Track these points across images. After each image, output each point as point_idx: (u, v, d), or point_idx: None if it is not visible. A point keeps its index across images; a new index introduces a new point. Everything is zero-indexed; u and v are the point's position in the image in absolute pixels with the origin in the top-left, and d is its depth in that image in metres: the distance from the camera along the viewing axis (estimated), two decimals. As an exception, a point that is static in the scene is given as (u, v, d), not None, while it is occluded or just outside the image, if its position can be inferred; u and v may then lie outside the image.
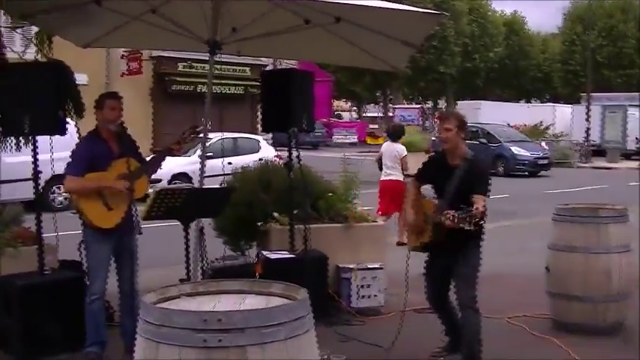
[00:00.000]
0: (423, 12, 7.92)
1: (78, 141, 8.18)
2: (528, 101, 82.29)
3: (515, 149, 37.47)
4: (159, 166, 8.05)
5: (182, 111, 31.84)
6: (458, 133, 7.53)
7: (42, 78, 8.13)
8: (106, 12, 8.24)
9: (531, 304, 9.90)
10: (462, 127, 7.58)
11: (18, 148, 9.51)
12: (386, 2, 7.78)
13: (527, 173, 36.85)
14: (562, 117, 55.30)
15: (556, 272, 9.18)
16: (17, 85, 8.04)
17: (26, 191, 11.97)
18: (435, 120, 58.57)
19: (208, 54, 8.93)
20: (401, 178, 15.77)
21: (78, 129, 9.50)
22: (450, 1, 66.74)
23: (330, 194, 10.70)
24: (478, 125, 38.97)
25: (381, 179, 16.15)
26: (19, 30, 10.17)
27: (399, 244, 14.29)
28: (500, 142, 37.91)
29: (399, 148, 16.14)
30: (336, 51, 9.45)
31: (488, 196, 7.42)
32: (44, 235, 8.44)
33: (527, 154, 37.49)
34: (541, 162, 37.78)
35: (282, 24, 8.46)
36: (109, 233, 7.59)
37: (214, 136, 20.78)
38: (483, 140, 37.11)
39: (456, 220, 6.97)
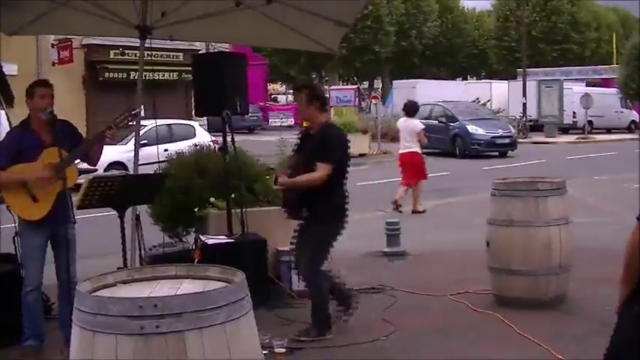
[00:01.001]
0: None
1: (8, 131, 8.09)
2: (465, 79, 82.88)
3: (472, 128, 35.12)
4: (97, 152, 7.86)
5: (115, 99, 31.47)
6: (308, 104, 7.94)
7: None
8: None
9: (473, 280, 9.99)
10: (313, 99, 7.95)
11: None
12: None
13: (484, 153, 34.23)
14: (498, 93, 55.73)
15: (496, 247, 9.22)
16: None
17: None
18: (371, 100, 58.77)
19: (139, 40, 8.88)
20: (418, 150, 17.63)
21: (8, 118, 9.39)
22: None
23: (267, 177, 10.68)
24: (441, 104, 37.75)
25: (401, 152, 18.02)
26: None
27: (415, 212, 17.22)
28: (458, 120, 35.55)
29: (416, 123, 17.76)
30: (268, 33, 9.44)
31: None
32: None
33: (483, 132, 34.91)
34: (500, 141, 35.12)
35: (213, 6, 8.44)
36: (42, 223, 7.49)
37: (148, 123, 20.64)
38: (442, 119, 35.81)
39: None
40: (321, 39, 9.40)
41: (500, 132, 35.61)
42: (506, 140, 35.53)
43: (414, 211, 17.28)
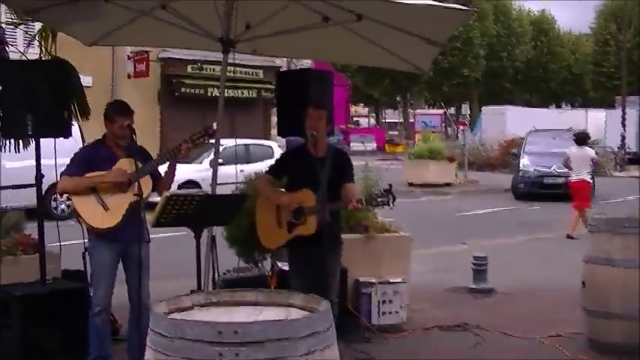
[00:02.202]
0: (450, 7, 7.87)
1: (82, 144, 8.20)
2: (558, 106, 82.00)
3: (525, 163, 30.87)
4: (170, 174, 7.99)
5: (191, 115, 31.80)
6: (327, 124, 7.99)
7: (45, 77, 8.10)
8: (114, 8, 8.22)
9: (565, 322, 9.80)
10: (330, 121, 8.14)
11: (17, 149, 9.51)
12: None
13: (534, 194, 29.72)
14: (594, 122, 54.86)
15: (593, 287, 8.96)
16: (19, 84, 8.03)
17: (27, 198, 12.03)
18: (458, 126, 58.49)
19: (221, 54, 8.92)
20: (588, 178, 19.10)
21: (81, 131, 9.52)
22: (475, 2, 66.76)
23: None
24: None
25: (572, 180, 19.33)
26: (21, 27, 10.15)
27: (569, 237, 18.24)
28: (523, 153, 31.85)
29: (588, 151, 19.42)
30: (356, 50, 9.41)
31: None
32: (46, 243, 8.43)
33: (532, 169, 30.33)
34: (549, 181, 29.52)
35: (300, 21, 8.44)
36: (113, 239, 7.57)
37: (226, 143, 20.79)
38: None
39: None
40: (411, 58, 9.34)
41: (554, 169, 29.43)
42: (560, 180, 27.79)
43: (568, 236, 18.30)
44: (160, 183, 7.87)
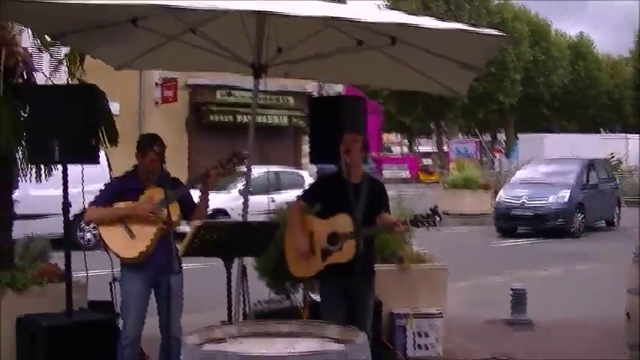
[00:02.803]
0: (487, 33, 7.84)
1: (109, 172, 8.23)
2: (597, 132, 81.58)
3: (505, 193, 29.03)
4: (204, 203, 8.00)
5: (220, 143, 31.83)
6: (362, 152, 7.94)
7: (73, 102, 8.16)
8: (143, 32, 8.23)
9: (609, 356, 9.70)
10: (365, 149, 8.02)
11: (38, 178, 9.54)
12: (447, 23, 7.71)
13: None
14: (635, 149, 54.56)
15: (638, 320, 8.91)
16: (47, 110, 8.08)
17: (53, 226, 12.07)
18: (494, 154, 58.31)
19: (250, 80, 8.93)
20: None
21: (108, 160, 9.54)
22: (509, 23, 66.58)
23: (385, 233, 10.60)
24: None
25: None
26: (48, 52, 10.20)
27: None
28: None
29: None
30: (391, 73, 9.39)
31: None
32: (73, 273, 8.45)
33: (509, 201, 28.06)
34: (516, 213, 27.62)
35: (333, 45, 8.42)
36: (143, 268, 7.58)
37: (256, 170, 20.82)
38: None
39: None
40: (447, 81, 9.31)
41: (552, 204, 27.30)
42: (558, 222, 27.05)
43: None
44: (194, 212, 7.87)
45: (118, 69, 9.73)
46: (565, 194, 27.32)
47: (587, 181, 29.00)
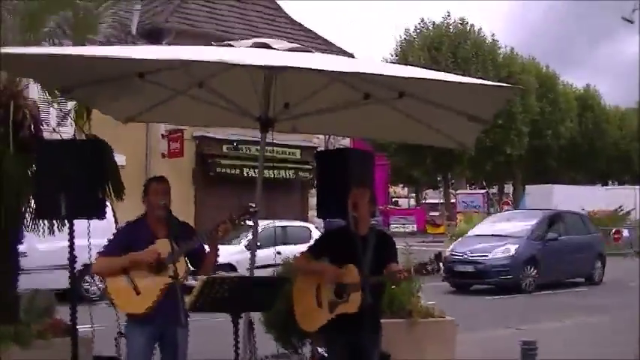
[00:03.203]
0: (494, 85, 7.87)
1: (115, 225, 8.24)
2: (605, 184, 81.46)
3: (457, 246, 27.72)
4: (212, 256, 7.91)
5: (226, 196, 31.81)
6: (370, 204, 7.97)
7: (80, 156, 8.18)
8: (150, 86, 8.29)
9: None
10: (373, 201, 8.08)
11: (51, 231, 9.56)
12: (455, 76, 7.75)
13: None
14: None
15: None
16: (53, 164, 8.11)
17: (58, 280, 12.07)
18: (502, 206, 58.22)
19: (257, 133, 8.96)
20: None
21: (114, 213, 9.57)
22: (516, 75, 66.79)
23: (392, 287, 10.58)
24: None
25: None
26: (55, 105, 10.29)
27: None
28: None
29: None
30: (398, 127, 9.41)
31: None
32: (78, 327, 8.43)
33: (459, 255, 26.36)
34: (459, 268, 25.73)
35: (340, 98, 8.46)
36: (148, 322, 7.53)
37: (263, 224, 20.81)
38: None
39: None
40: (455, 134, 9.32)
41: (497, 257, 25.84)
42: (469, 268, 25.74)
43: None
44: (202, 263, 7.85)
45: (126, 122, 9.77)
46: (511, 248, 25.92)
47: (546, 234, 27.37)
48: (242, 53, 7.54)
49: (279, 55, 7.56)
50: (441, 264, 7.16)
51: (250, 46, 8.00)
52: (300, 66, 6.96)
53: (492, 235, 27.48)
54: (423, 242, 37.06)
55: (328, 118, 9.14)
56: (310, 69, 7.13)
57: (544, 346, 11.18)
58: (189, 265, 7.74)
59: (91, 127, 9.92)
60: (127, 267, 7.55)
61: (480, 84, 7.51)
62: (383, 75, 7.49)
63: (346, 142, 30.28)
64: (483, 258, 25.72)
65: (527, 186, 63.54)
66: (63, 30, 10.03)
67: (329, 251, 8.02)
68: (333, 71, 7.41)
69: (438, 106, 8.33)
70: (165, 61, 7.40)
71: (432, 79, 7.25)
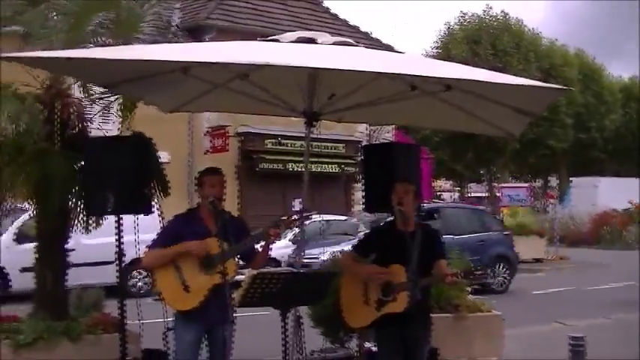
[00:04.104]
0: (544, 86, 7.79)
1: (160, 221, 8.26)
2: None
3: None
4: (263, 253, 7.87)
5: (270, 191, 31.98)
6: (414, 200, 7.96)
7: (126, 152, 8.21)
8: (193, 79, 8.29)
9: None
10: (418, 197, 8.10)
11: (91, 227, 9.60)
12: (503, 76, 7.68)
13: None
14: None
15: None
16: (101, 161, 8.14)
17: (106, 275, 12.14)
18: (547, 199, 57.79)
19: (299, 128, 8.92)
20: None
21: (160, 209, 9.59)
22: (559, 68, 66.27)
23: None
24: None
25: None
26: (98, 102, 10.31)
27: None
28: None
29: None
30: (444, 116, 9.28)
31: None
32: (127, 322, 8.46)
33: None
34: None
35: (386, 90, 8.38)
36: (197, 318, 7.55)
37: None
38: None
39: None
40: (501, 124, 9.21)
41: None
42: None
43: None
44: (253, 260, 7.85)
45: (170, 112, 9.76)
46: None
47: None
48: (288, 52, 7.47)
49: (325, 53, 7.51)
50: (489, 270, 7.06)
51: (295, 40, 7.95)
52: (346, 68, 6.88)
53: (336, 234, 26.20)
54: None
55: (374, 108, 9.07)
56: (356, 70, 7.06)
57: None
58: (239, 261, 7.74)
59: (134, 125, 9.92)
60: (176, 257, 7.54)
61: (529, 85, 7.43)
62: (431, 77, 7.42)
63: (389, 136, 30.21)
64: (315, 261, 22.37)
65: (572, 179, 63.00)
66: (107, 28, 10.05)
67: (376, 249, 7.98)
68: (380, 73, 7.34)
69: (485, 98, 8.25)
70: (212, 64, 7.39)
71: (481, 81, 7.20)
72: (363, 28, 39.61)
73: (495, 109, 8.40)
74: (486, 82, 7.29)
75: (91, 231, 9.83)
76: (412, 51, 72.66)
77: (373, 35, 39.66)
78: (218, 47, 8.32)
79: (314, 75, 8.34)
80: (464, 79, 7.24)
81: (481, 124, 9.20)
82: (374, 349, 8.94)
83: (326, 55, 7.34)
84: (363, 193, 9.78)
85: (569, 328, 14.69)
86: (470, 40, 65.21)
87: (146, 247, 7.74)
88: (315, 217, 20.70)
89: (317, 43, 7.79)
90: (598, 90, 72.46)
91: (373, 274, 7.77)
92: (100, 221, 9.57)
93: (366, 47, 8.49)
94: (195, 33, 32.22)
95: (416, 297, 7.36)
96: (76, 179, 9.19)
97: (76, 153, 9.15)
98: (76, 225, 9.73)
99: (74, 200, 9.45)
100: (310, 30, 8.40)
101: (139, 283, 21.86)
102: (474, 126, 9.58)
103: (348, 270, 8.09)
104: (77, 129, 9.71)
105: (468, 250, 23.87)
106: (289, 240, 23.13)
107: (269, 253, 7.91)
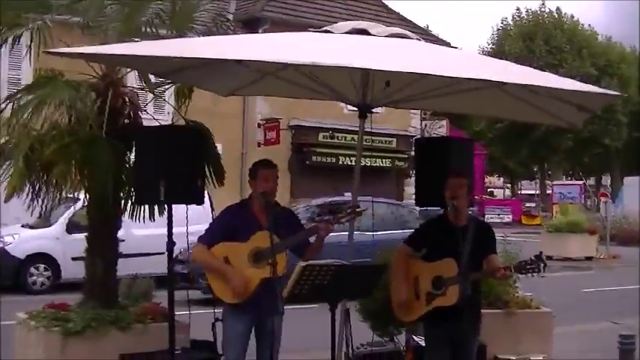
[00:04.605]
0: (599, 92, 7.69)
1: (211, 212, 8.25)
2: None
3: None
4: (317, 247, 7.88)
5: (322, 184, 31.89)
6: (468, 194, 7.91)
7: (179, 142, 8.20)
8: (247, 69, 8.29)
9: None
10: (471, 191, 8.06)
11: (144, 218, 9.62)
12: (556, 79, 7.57)
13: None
14: None
15: None
16: (153, 150, 8.15)
17: (156, 265, 12.18)
18: (599, 198, 57.32)
19: (352, 122, 8.86)
20: None
21: (211, 200, 9.61)
22: (615, 66, 65.66)
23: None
24: None
25: None
26: (153, 92, 10.33)
27: None
28: None
29: None
30: (503, 105, 9.15)
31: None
32: (176, 312, 8.48)
33: None
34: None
35: (442, 81, 8.27)
36: (246, 310, 7.57)
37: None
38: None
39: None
40: (562, 115, 9.07)
41: None
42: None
43: None
44: (305, 254, 7.83)
45: (226, 96, 9.74)
46: None
47: None
48: (339, 47, 7.38)
49: (379, 47, 7.41)
50: (541, 264, 6.96)
51: (348, 32, 7.89)
52: (396, 69, 6.75)
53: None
54: (519, 233, 36.59)
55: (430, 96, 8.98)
56: (407, 72, 6.94)
57: None
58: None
59: (188, 117, 9.92)
60: (217, 271, 7.58)
61: (583, 91, 7.33)
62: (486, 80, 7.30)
63: (442, 130, 30.11)
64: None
65: (625, 178, 62.32)
66: (162, 20, 10.07)
67: (428, 242, 7.94)
68: (430, 75, 7.21)
69: (543, 95, 8.15)
70: (264, 62, 7.37)
71: (536, 85, 7.13)
72: (420, 24, 39.55)
73: (554, 103, 8.30)
74: (539, 86, 7.21)
75: (143, 221, 9.83)
76: (468, 47, 72.42)
77: (431, 30, 39.56)
78: (270, 41, 8.28)
79: (367, 70, 8.28)
80: (520, 84, 7.17)
81: (541, 114, 9.04)
82: (422, 343, 8.88)
83: (379, 51, 7.24)
84: (415, 188, 9.73)
85: (620, 327, 14.53)
86: (525, 37, 64.93)
87: (198, 238, 7.74)
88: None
89: (370, 35, 7.73)
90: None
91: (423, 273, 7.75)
92: (161, 212, 9.53)
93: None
94: (249, 25, 32.29)
95: (466, 291, 7.30)
96: (125, 168, 9.21)
97: (127, 142, 9.17)
98: (128, 215, 9.76)
99: (126, 189, 9.48)
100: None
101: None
102: (534, 115, 9.42)
103: (398, 266, 8.04)
104: (130, 119, 9.73)
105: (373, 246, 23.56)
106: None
107: (320, 250, 7.88)
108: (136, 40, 9.58)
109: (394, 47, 7.52)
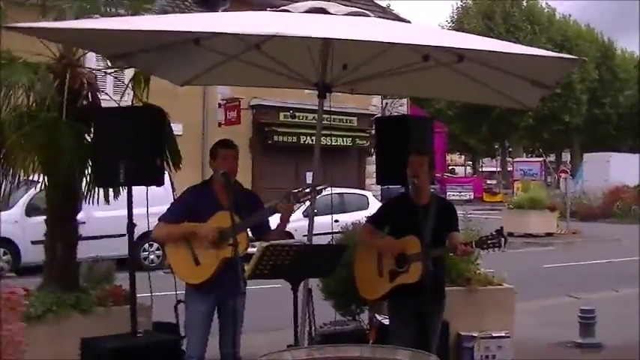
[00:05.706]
0: (559, 57, 7.68)
1: (172, 193, 8.21)
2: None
3: None
4: (281, 227, 7.90)
5: (283, 164, 31.89)
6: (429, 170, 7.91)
7: (138, 123, 8.15)
8: (205, 51, 8.22)
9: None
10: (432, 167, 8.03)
11: (104, 200, 9.54)
12: (516, 46, 7.56)
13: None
14: None
15: None
16: (112, 132, 8.08)
17: (117, 248, 12.08)
18: (559, 174, 57.80)
19: (312, 101, 8.85)
20: None
21: (172, 181, 9.53)
22: (573, 42, 66.04)
23: (450, 254, 10.48)
24: None
25: None
26: (112, 74, 10.24)
27: None
28: None
29: None
30: (457, 87, 9.20)
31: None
32: (137, 294, 8.43)
33: None
34: None
35: (399, 61, 8.29)
36: (208, 291, 7.57)
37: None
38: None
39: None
40: (516, 95, 9.10)
41: None
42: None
43: None
44: (265, 235, 7.84)
45: (182, 85, 9.71)
46: None
47: None
48: (299, 22, 7.38)
49: (337, 23, 7.41)
50: (502, 239, 7.00)
51: (307, 11, 7.85)
52: (356, 38, 6.76)
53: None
54: (480, 210, 36.80)
55: (387, 79, 8.99)
56: (365, 40, 6.94)
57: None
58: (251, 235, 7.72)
59: (148, 97, 9.85)
60: (185, 235, 7.54)
61: (542, 55, 7.33)
62: (444, 47, 7.31)
63: (403, 109, 30.12)
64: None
65: (585, 154, 62.85)
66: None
67: (390, 220, 7.95)
68: (389, 43, 7.23)
69: (499, 70, 8.16)
70: (220, 34, 7.31)
71: (492, 51, 7.09)
72: (380, 2, 39.47)
73: (510, 80, 8.32)
74: (500, 52, 7.18)
75: (102, 203, 9.74)
76: (428, 25, 72.51)
77: (392, 10, 39.53)
78: (228, 17, 8.25)
79: (326, 46, 8.27)
80: (478, 50, 7.15)
81: (495, 95, 9.09)
82: (385, 322, 8.89)
83: (337, 25, 7.23)
84: (376, 167, 9.74)
85: (580, 302, 14.65)
86: (484, 15, 65.18)
87: (158, 218, 7.71)
88: (327, 190, 20.62)
89: (329, 14, 7.70)
90: (612, 66, 72.23)
91: (388, 248, 7.74)
92: (118, 194, 9.45)
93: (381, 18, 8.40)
94: (208, 4, 32.05)
95: (429, 268, 7.31)
96: (85, 150, 9.12)
97: (86, 124, 9.07)
98: (87, 197, 9.66)
99: (85, 172, 9.38)
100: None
101: (151, 256, 21.91)
102: (489, 97, 9.47)
103: (365, 241, 8.06)
104: (88, 100, 9.61)
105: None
106: (302, 213, 23.06)
107: (283, 233, 7.90)
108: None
109: (351, 22, 7.50)
